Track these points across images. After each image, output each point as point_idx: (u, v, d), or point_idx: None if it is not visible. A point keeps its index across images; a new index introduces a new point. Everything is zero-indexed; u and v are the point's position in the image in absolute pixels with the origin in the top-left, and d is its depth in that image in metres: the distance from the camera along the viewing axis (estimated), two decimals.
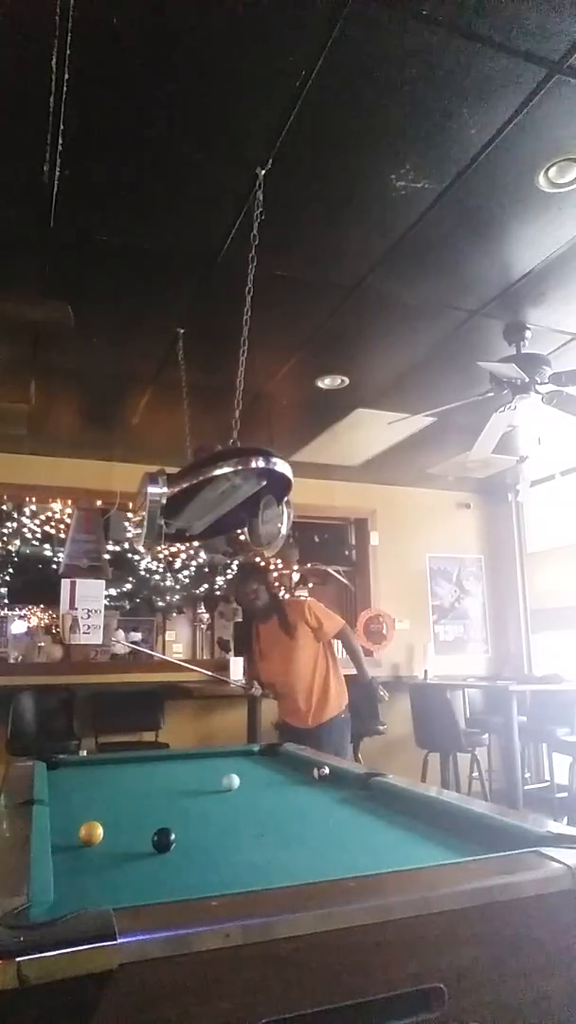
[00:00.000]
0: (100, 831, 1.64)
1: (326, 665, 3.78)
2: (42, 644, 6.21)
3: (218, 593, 8.61)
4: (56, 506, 5.76)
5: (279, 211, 2.53)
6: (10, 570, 7.85)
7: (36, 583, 7.47)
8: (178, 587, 8.59)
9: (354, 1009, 1.09)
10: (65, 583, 5.52)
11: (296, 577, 6.93)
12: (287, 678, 3.77)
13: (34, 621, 10.24)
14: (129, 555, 6.70)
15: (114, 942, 0.98)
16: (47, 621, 9.21)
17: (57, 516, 5.87)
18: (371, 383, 4.21)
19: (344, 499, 6.25)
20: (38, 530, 6.23)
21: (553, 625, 6.25)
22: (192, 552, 6.78)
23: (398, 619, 6.21)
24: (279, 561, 6.54)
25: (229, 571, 7.66)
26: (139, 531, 2.81)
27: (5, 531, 6.50)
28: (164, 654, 10.47)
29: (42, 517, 6.06)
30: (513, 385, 3.49)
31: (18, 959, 0.94)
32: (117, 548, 6.08)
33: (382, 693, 3.94)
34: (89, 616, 5.56)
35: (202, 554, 6.79)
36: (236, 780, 2.32)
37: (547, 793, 5.50)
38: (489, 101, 2.12)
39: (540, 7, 1.83)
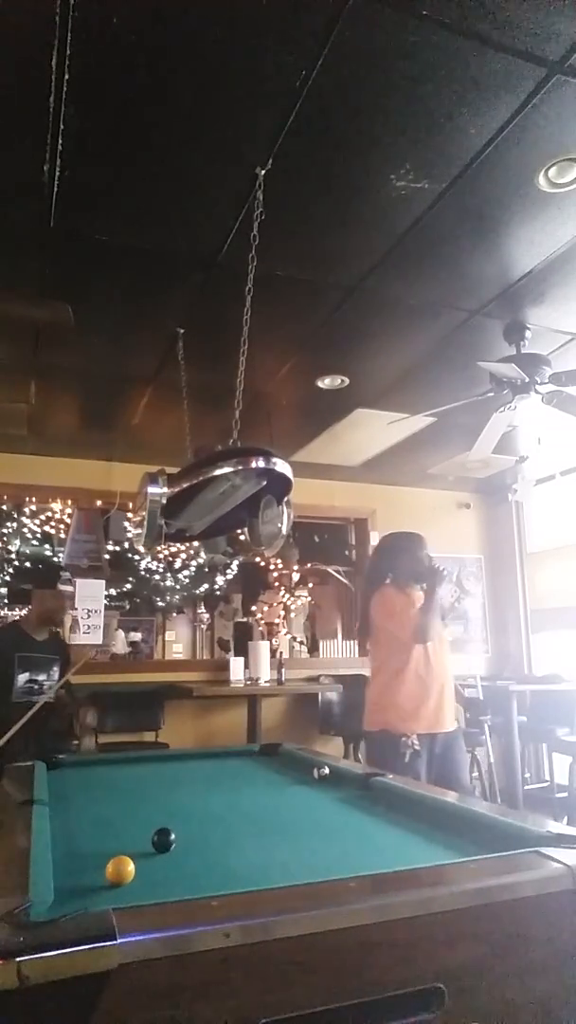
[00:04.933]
0: (131, 868, 1.35)
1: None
2: None
3: (218, 593, 8.60)
4: (56, 506, 5.75)
5: (279, 211, 2.53)
6: (10, 570, 7.84)
7: (36, 583, 7.46)
8: (178, 587, 8.58)
9: (354, 1009, 1.09)
10: None
11: (296, 577, 6.93)
12: (433, 667, 3.21)
13: None
14: (129, 555, 6.69)
15: (114, 942, 0.98)
16: None
17: (57, 516, 5.86)
18: (371, 383, 4.21)
19: (344, 499, 6.25)
20: (38, 530, 6.22)
21: (553, 625, 6.24)
22: (192, 552, 6.77)
23: None
24: (279, 561, 6.53)
25: (229, 571, 7.66)
26: (139, 531, 2.81)
27: (5, 531, 6.50)
28: (164, 654, 10.47)
29: (42, 517, 6.05)
30: (513, 385, 3.49)
31: (18, 959, 0.94)
32: (117, 548, 6.07)
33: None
34: (89, 616, 5.55)
35: (202, 554, 6.78)
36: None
37: (547, 793, 5.50)
38: (489, 101, 2.12)
39: (540, 7, 1.83)
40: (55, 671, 3.65)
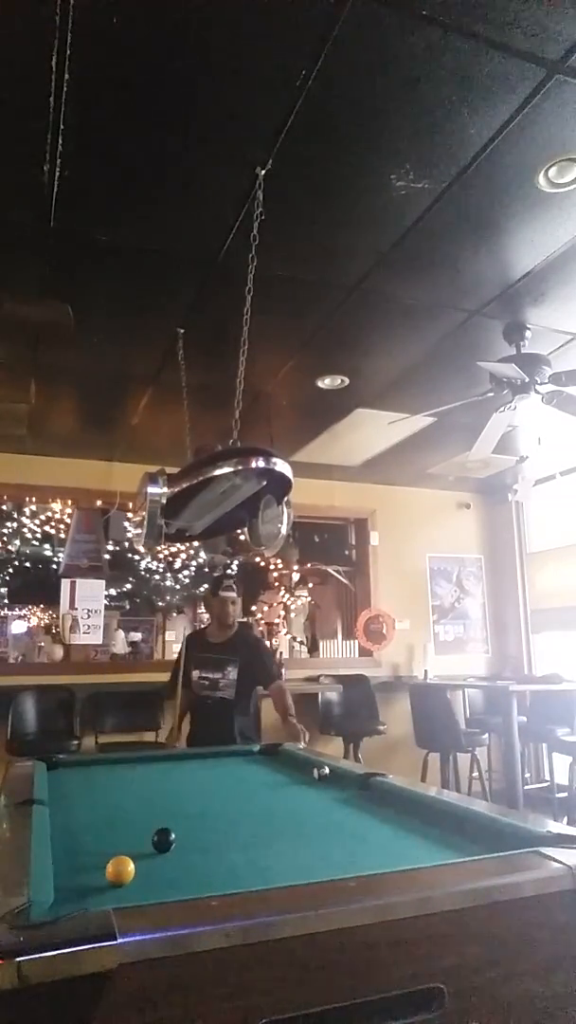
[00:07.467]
0: (131, 868, 1.37)
1: None
2: (42, 644, 6.21)
3: None
4: (56, 506, 5.76)
5: (279, 211, 2.53)
6: (10, 570, 7.85)
7: (36, 583, 7.47)
8: (178, 587, 8.59)
9: (354, 1009, 1.09)
10: (65, 583, 5.52)
11: (296, 577, 6.93)
12: None
13: (34, 621, 10.23)
14: (129, 555, 6.70)
15: (114, 942, 0.98)
16: (47, 621, 9.21)
17: (57, 516, 5.87)
18: (371, 383, 4.21)
19: (344, 499, 6.25)
20: (38, 530, 6.22)
21: (553, 625, 6.24)
22: (192, 552, 6.78)
23: (398, 619, 6.21)
24: (279, 561, 6.53)
25: (229, 571, 7.67)
26: (139, 531, 2.81)
27: (5, 531, 6.50)
28: (164, 654, 10.48)
29: (42, 517, 6.06)
30: (513, 385, 3.49)
31: (18, 959, 0.94)
32: (117, 548, 6.07)
33: None
34: (89, 616, 5.56)
35: (202, 554, 6.79)
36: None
37: (547, 793, 5.50)
38: (489, 101, 2.12)
39: (540, 7, 1.82)
40: (230, 671, 3.77)
